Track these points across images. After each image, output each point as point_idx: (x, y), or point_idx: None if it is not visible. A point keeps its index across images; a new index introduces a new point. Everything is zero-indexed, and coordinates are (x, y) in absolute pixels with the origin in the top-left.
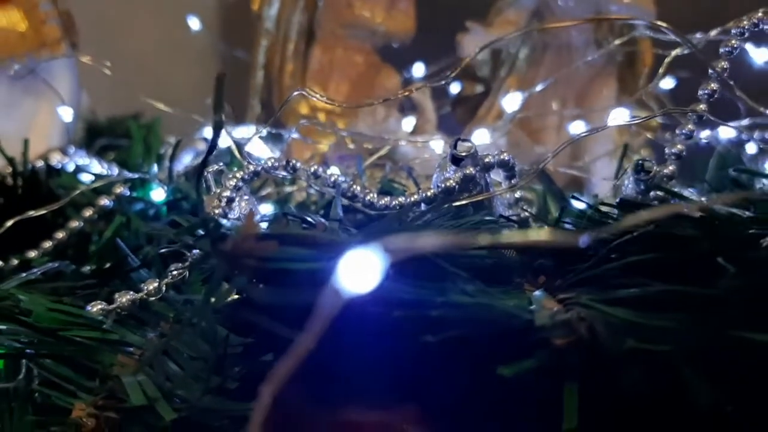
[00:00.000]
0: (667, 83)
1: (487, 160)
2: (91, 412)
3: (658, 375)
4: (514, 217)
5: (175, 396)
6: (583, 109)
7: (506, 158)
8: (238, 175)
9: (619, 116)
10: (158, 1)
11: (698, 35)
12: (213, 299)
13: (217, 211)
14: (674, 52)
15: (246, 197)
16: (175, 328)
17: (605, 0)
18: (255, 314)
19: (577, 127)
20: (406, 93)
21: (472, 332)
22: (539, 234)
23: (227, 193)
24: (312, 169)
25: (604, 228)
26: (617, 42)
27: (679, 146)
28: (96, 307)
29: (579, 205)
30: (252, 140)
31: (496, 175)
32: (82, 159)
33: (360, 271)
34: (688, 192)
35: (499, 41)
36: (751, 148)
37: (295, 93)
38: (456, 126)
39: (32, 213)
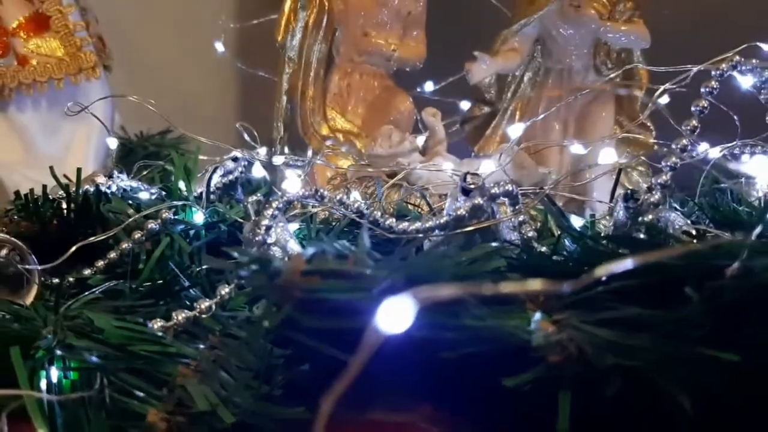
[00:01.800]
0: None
1: (493, 191)
2: (164, 417)
3: (636, 384)
4: (517, 241)
5: (231, 402)
6: (583, 135)
7: (510, 189)
8: (274, 204)
9: (610, 156)
10: (177, 17)
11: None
12: (267, 322)
13: (257, 238)
14: (662, 88)
15: (281, 224)
16: (224, 341)
17: (603, 29)
18: (299, 334)
19: (578, 149)
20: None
21: (481, 350)
22: (532, 284)
23: (265, 222)
24: (337, 197)
25: (583, 277)
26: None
27: (664, 177)
28: (157, 324)
29: (578, 222)
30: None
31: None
32: (125, 181)
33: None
34: (674, 215)
35: (505, 67)
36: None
37: None
38: (465, 144)
39: (93, 239)
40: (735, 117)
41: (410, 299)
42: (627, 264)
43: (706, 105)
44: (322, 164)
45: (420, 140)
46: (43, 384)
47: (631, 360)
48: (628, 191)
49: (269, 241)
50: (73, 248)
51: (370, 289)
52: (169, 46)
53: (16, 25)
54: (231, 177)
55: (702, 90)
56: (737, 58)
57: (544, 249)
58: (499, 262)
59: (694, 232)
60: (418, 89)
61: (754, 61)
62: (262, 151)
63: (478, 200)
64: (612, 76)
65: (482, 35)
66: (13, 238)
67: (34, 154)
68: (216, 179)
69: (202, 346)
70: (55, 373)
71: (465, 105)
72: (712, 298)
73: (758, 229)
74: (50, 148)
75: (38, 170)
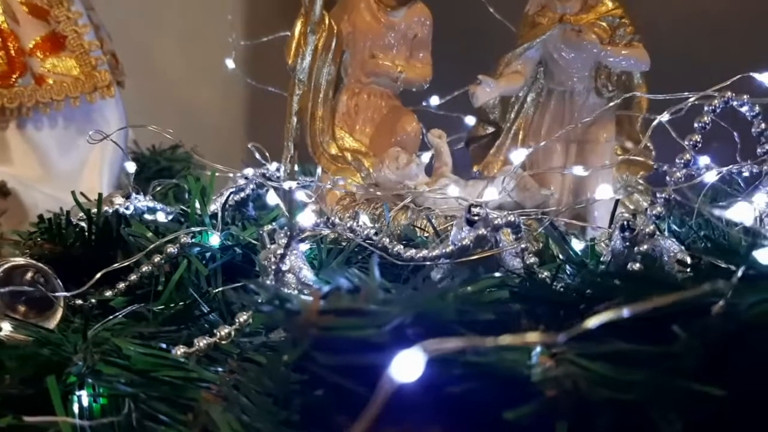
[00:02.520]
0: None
1: (496, 222)
2: None
3: (629, 416)
4: (520, 268)
5: (253, 428)
6: (584, 156)
7: (512, 219)
8: (288, 234)
9: (607, 192)
10: (189, 32)
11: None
12: (286, 357)
13: (273, 267)
14: (656, 120)
15: (295, 252)
16: (243, 366)
17: (604, 53)
18: (315, 366)
19: (579, 170)
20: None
21: (484, 384)
22: (530, 336)
23: (280, 251)
24: (348, 224)
25: (576, 327)
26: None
27: (659, 208)
28: (179, 351)
29: (579, 246)
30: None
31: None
32: (142, 201)
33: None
34: (669, 242)
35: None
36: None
37: None
38: (468, 162)
39: (117, 266)
40: (736, 134)
41: (420, 352)
42: (620, 313)
43: (698, 139)
44: (329, 176)
45: (425, 157)
46: (76, 408)
47: (623, 393)
48: (625, 221)
49: (284, 268)
50: (98, 275)
51: (382, 326)
52: (180, 59)
53: (33, 45)
54: (243, 194)
55: (695, 125)
56: (729, 93)
57: (546, 275)
58: (502, 293)
59: (689, 260)
60: (424, 104)
61: (745, 97)
62: (273, 167)
63: (482, 231)
64: (613, 103)
65: (487, 49)
66: (38, 263)
67: (50, 171)
68: (226, 190)
69: (220, 370)
70: (85, 398)
71: (470, 120)
72: (700, 334)
73: (741, 270)
74: (66, 165)
75: (55, 186)
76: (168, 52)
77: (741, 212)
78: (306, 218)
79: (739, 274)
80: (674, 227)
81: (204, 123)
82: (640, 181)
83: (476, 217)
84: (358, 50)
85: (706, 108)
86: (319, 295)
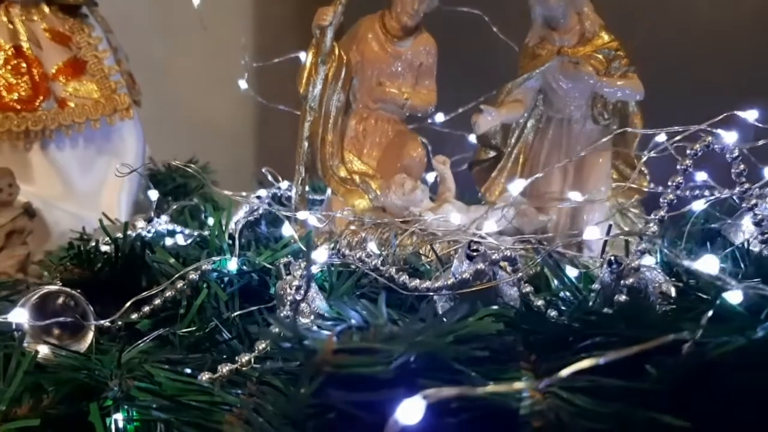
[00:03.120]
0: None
1: (494, 257)
2: None
3: None
4: (516, 298)
5: None
6: (581, 180)
7: (509, 254)
8: (303, 265)
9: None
10: (201, 49)
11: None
12: (303, 390)
13: (289, 298)
14: (646, 156)
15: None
16: (261, 389)
17: (599, 84)
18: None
19: (576, 196)
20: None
21: (478, 415)
22: (516, 385)
23: (296, 283)
24: (357, 255)
25: (555, 377)
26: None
27: (644, 245)
28: (205, 377)
29: (573, 273)
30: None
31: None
32: (162, 225)
33: (409, 411)
34: (654, 273)
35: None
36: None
37: None
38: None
39: (146, 294)
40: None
41: (421, 401)
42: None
43: (681, 180)
44: (338, 198)
45: (431, 176)
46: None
47: (599, 424)
48: (612, 257)
49: (298, 298)
50: (128, 304)
51: (389, 363)
52: (195, 77)
53: (56, 70)
54: (256, 214)
55: (678, 167)
56: (710, 138)
57: (540, 303)
58: (497, 325)
59: (672, 292)
60: (429, 120)
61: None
62: (284, 185)
63: (481, 265)
64: (609, 136)
65: (492, 68)
66: (70, 290)
67: (71, 189)
68: (241, 217)
69: (240, 392)
70: (120, 421)
71: (473, 138)
72: (669, 371)
73: (709, 314)
74: (86, 183)
75: (76, 204)
76: (183, 70)
77: (707, 264)
78: (320, 255)
79: (708, 315)
80: (665, 251)
81: (216, 136)
82: (634, 203)
83: (475, 253)
84: (366, 78)
85: (688, 151)
86: (334, 335)
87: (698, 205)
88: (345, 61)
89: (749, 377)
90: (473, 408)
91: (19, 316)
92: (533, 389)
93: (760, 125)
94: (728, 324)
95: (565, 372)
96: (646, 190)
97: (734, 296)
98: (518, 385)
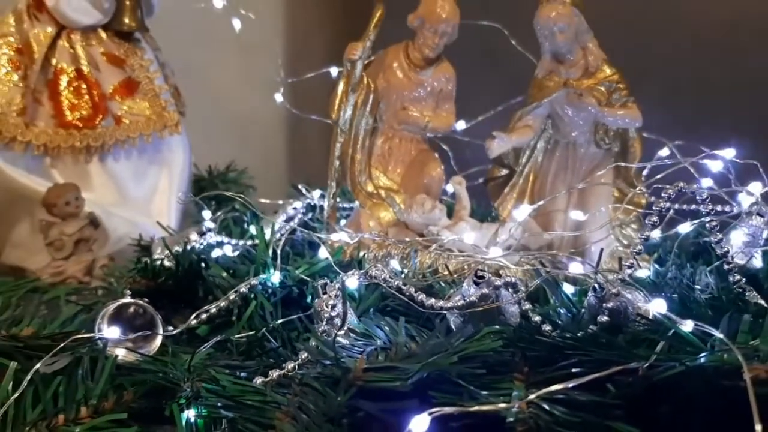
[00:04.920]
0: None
1: (497, 283)
2: None
3: None
4: (517, 315)
5: None
6: (585, 198)
7: (511, 280)
8: (338, 286)
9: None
10: (243, 64)
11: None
12: (339, 398)
13: (326, 315)
14: (635, 191)
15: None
16: (303, 390)
17: (601, 113)
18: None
19: (579, 215)
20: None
21: (474, 422)
22: (502, 405)
23: (332, 301)
24: (383, 276)
25: (528, 393)
26: None
27: (628, 270)
28: (259, 381)
29: (570, 290)
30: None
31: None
32: (213, 237)
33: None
34: (635, 295)
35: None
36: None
37: None
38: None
39: (209, 307)
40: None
41: (427, 418)
42: (566, 384)
43: (655, 220)
44: (366, 212)
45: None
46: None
47: (571, 430)
48: (596, 285)
49: (333, 314)
50: (193, 317)
51: (407, 379)
52: (235, 85)
53: (112, 90)
54: (292, 223)
55: (653, 209)
56: (682, 184)
57: (537, 319)
58: (497, 343)
59: (651, 312)
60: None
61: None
62: (316, 194)
63: (486, 290)
64: (609, 167)
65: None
66: (142, 302)
67: (125, 196)
68: (279, 233)
69: (286, 392)
70: (192, 417)
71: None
72: (626, 389)
73: (660, 345)
74: (139, 191)
75: (130, 211)
76: (224, 78)
77: (656, 306)
78: (351, 281)
79: (660, 346)
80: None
81: (251, 136)
82: (633, 219)
83: (481, 280)
84: (391, 102)
85: (663, 194)
86: (364, 355)
87: (684, 228)
88: (373, 89)
89: (688, 395)
90: (470, 416)
91: (112, 332)
92: (521, 400)
93: (738, 161)
94: (676, 352)
95: (531, 396)
96: (641, 211)
97: (687, 326)
98: (503, 405)
